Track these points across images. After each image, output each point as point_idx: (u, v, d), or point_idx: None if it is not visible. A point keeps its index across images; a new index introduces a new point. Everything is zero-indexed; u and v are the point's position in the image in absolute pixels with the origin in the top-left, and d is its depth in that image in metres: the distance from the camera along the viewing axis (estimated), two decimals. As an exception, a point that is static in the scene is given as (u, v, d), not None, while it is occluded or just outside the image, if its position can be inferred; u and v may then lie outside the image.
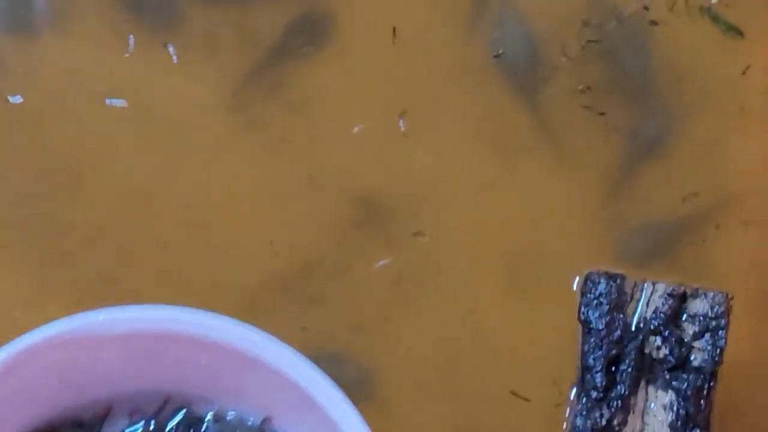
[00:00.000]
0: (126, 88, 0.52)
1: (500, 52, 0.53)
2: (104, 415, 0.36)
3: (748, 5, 0.55)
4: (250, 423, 0.36)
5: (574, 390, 0.41)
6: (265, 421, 0.36)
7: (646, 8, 0.54)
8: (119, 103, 0.52)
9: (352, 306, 0.48)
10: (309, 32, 0.54)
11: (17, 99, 0.54)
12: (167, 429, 0.36)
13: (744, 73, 0.53)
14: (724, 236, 0.50)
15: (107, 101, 0.51)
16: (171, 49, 0.52)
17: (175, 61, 0.53)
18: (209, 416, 0.36)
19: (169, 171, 0.51)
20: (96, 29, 0.53)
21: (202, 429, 0.36)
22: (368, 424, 0.32)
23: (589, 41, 0.53)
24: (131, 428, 0.36)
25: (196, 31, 0.53)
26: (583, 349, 0.39)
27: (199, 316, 0.33)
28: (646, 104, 0.53)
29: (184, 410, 0.36)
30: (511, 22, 0.55)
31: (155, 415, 0.36)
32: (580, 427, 0.38)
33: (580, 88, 0.52)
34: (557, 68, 0.53)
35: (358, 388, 0.45)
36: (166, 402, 0.36)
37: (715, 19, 0.55)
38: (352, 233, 0.50)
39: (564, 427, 0.43)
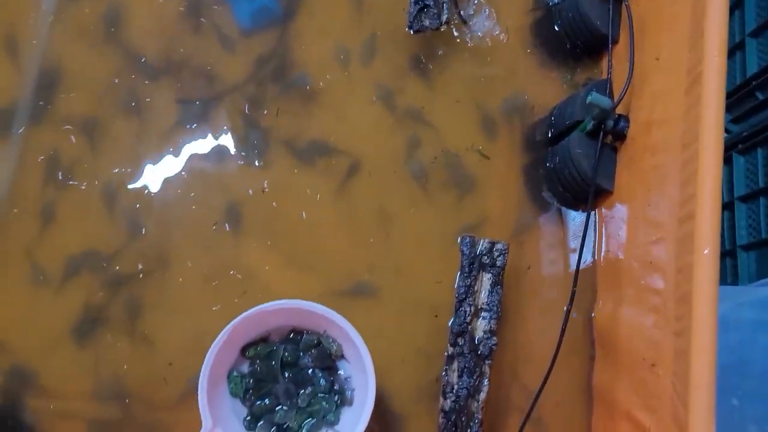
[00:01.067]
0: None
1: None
2: (267, 336, 0.96)
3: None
4: (323, 335, 0.94)
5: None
6: (325, 332, 0.94)
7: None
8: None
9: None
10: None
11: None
12: (290, 337, 0.96)
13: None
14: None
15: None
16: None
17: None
18: (305, 335, 0.96)
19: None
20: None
21: (303, 338, 0.95)
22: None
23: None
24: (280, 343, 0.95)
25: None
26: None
27: (302, 302, 0.90)
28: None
29: (292, 332, 0.96)
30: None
31: (287, 337, 0.96)
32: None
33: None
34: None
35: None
36: (291, 331, 0.96)
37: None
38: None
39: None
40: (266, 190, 1.07)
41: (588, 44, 1.10)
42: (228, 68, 1.11)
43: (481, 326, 0.94)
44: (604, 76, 1.09)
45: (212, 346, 0.87)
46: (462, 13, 1.15)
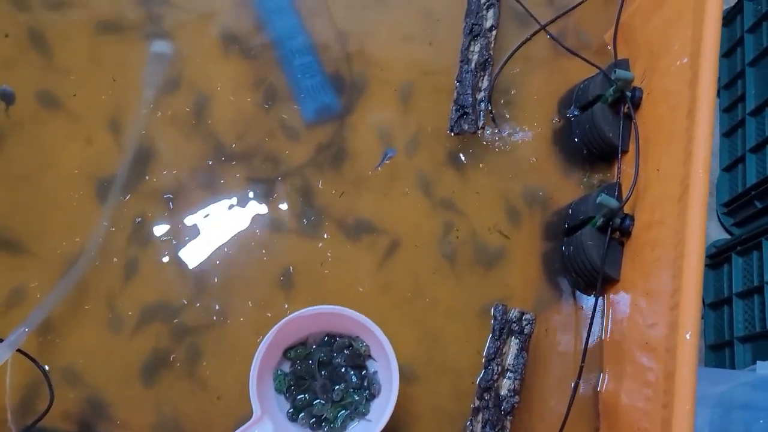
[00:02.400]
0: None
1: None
2: (306, 339, 1.15)
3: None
4: (354, 338, 1.13)
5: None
6: (357, 337, 1.13)
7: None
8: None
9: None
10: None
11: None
12: (326, 342, 1.14)
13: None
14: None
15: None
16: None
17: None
18: (338, 338, 1.14)
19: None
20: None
21: (336, 341, 1.13)
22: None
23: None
24: (317, 346, 1.14)
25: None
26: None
27: (341, 308, 1.08)
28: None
29: (326, 337, 1.15)
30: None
31: (322, 341, 1.15)
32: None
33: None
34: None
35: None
36: (326, 335, 1.15)
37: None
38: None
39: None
40: (317, 259, 1.23)
41: (601, 152, 1.27)
42: (292, 154, 1.31)
43: (505, 385, 1.08)
44: (615, 179, 1.25)
45: (259, 347, 1.05)
46: (496, 120, 1.34)
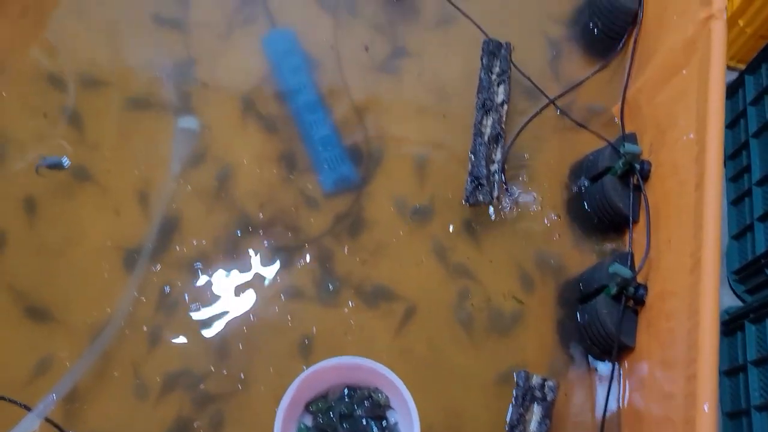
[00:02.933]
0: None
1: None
2: (326, 393, 1.17)
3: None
4: (373, 389, 1.16)
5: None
6: (377, 389, 1.16)
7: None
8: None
9: None
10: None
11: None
12: (346, 394, 1.16)
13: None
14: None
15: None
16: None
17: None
18: (358, 390, 1.16)
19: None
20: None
21: (357, 393, 1.16)
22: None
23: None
24: (336, 398, 1.17)
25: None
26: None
27: (360, 359, 1.13)
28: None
29: (346, 389, 1.17)
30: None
31: (342, 394, 1.17)
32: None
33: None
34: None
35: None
36: (345, 387, 1.17)
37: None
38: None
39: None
40: (338, 326, 1.26)
41: (612, 221, 1.31)
42: (312, 223, 1.35)
43: (528, 453, 1.09)
44: (627, 248, 1.29)
45: (282, 401, 1.07)
46: (509, 190, 1.39)
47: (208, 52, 1.47)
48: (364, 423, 1.13)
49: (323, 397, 1.16)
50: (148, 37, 1.48)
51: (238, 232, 1.33)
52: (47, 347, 1.20)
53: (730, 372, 1.38)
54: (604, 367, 1.24)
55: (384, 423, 1.14)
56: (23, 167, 1.32)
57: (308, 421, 1.15)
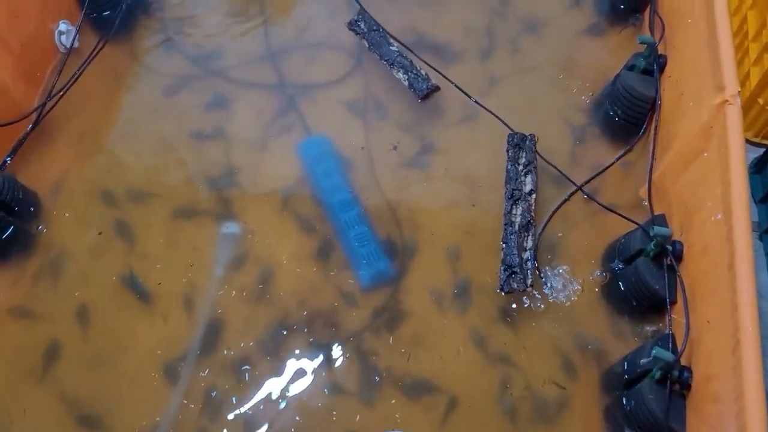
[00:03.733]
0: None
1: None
2: None
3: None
4: None
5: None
6: None
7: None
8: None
9: None
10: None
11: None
12: None
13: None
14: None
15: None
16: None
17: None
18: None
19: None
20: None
21: None
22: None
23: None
24: None
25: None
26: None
27: None
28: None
29: None
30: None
31: None
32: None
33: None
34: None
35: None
36: None
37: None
38: None
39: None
40: (379, 420, 1.26)
41: (650, 303, 1.31)
42: (351, 318, 1.38)
43: None
44: (667, 330, 1.27)
45: None
46: (543, 276, 1.40)
47: (247, 161, 1.57)
48: None
49: None
50: (192, 151, 1.59)
51: (281, 331, 1.36)
52: (98, 455, 1.24)
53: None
54: (656, 456, 1.20)
55: None
56: (78, 279, 1.41)
57: None
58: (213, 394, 1.30)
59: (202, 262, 1.45)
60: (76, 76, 1.60)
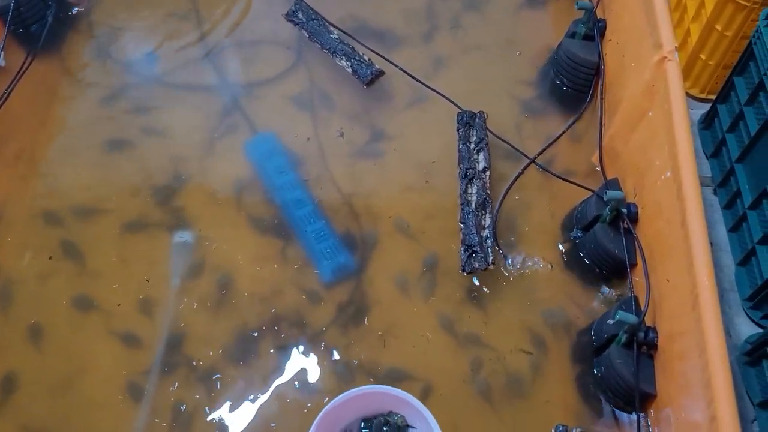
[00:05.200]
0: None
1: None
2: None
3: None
4: (387, 414, 1.19)
5: None
6: (391, 412, 1.19)
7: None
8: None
9: None
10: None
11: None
12: (362, 427, 1.19)
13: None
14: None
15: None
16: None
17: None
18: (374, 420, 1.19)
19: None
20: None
21: (374, 422, 1.18)
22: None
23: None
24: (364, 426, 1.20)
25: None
26: None
27: (367, 388, 1.17)
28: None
29: (362, 422, 1.20)
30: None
31: (360, 428, 1.19)
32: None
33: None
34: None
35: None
36: (362, 421, 1.19)
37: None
38: None
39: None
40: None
41: (611, 268, 1.31)
42: (316, 316, 1.36)
43: None
44: (630, 293, 1.28)
45: None
46: (504, 253, 1.39)
47: (194, 166, 1.53)
48: None
49: None
50: (135, 161, 1.54)
51: (248, 336, 1.33)
52: (65, 484, 1.19)
53: (765, 404, 1.33)
54: (630, 418, 1.20)
55: None
56: (29, 305, 1.36)
57: None
58: (182, 408, 1.26)
59: (159, 275, 1.40)
60: (5, 95, 1.54)
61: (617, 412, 1.21)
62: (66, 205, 1.47)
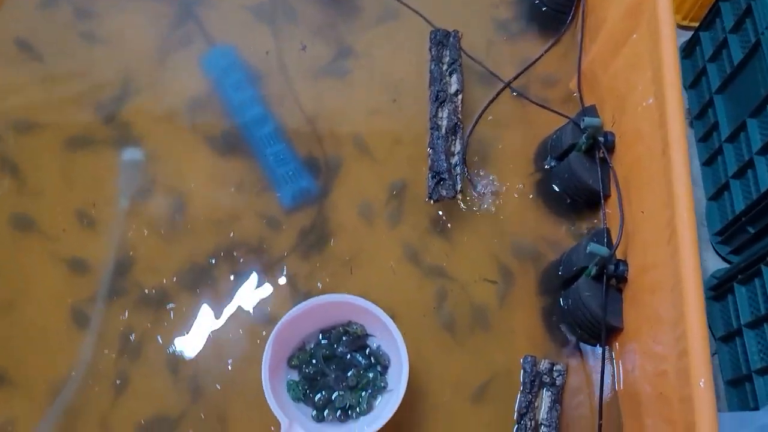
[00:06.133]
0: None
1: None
2: (302, 344, 1.16)
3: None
4: (346, 324, 1.15)
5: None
6: (349, 322, 1.15)
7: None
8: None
9: None
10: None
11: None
12: (321, 338, 1.16)
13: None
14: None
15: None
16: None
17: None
18: (333, 331, 1.15)
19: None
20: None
21: (332, 334, 1.15)
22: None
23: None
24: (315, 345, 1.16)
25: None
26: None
27: (323, 297, 1.10)
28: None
29: (320, 333, 1.17)
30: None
31: (319, 339, 1.16)
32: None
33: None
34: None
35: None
36: (320, 333, 1.17)
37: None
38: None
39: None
40: (313, 348, 1.20)
41: (585, 199, 1.26)
42: (276, 242, 1.29)
43: (541, 440, 1.06)
44: (601, 225, 1.24)
45: (263, 360, 1.05)
46: (473, 182, 1.33)
47: (145, 79, 1.41)
48: (349, 357, 1.14)
49: (300, 349, 1.15)
50: (79, 71, 1.41)
51: (202, 263, 1.26)
52: (6, 413, 1.13)
53: (727, 338, 1.33)
54: (595, 351, 1.18)
55: (368, 350, 1.15)
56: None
57: (295, 376, 1.14)
58: (131, 337, 1.20)
59: (105, 196, 1.31)
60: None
61: (582, 344, 1.19)
62: (2, 118, 1.35)
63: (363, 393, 1.11)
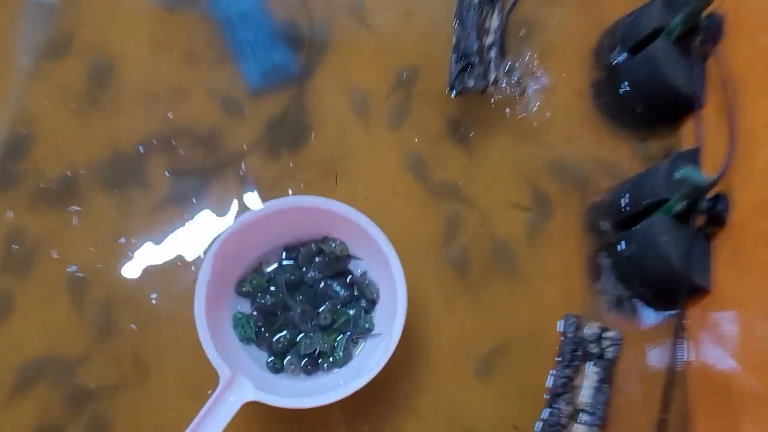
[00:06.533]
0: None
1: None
2: (258, 265, 0.84)
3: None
4: (321, 240, 0.84)
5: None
6: (326, 238, 0.84)
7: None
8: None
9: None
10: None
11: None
12: (285, 258, 0.84)
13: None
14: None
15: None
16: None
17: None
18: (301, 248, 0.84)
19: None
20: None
21: (301, 252, 0.84)
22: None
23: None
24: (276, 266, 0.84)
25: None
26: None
27: (290, 199, 0.78)
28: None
29: (284, 252, 0.85)
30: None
31: (281, 259, 0.84)
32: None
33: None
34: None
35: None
36: (283, 250, 0.85)
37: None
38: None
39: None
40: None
41: (664, 108, 0.91)
42: (233, 134, 0.94)
43: (579, 432, 0.76)
44: (684, 145, 0.89)
45: (197, 287, 0.73)
46: (511, 72, 0.97)
47: None
48: (322, 286, 0.83)
49: (255, 271, 0.83)
50: None
51: (130, 152, 0.92)
52: None
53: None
54: (658, 318, 0.86)
55: (349, 278, 0.84)
56: None
57: (244, 307, 0.82)
58: (20, 238, 0.86)
59: (1, 46, 0.95)
60: None
61: (641, 307, 0.87)
62: None
63: (339, 336, 0.81)
